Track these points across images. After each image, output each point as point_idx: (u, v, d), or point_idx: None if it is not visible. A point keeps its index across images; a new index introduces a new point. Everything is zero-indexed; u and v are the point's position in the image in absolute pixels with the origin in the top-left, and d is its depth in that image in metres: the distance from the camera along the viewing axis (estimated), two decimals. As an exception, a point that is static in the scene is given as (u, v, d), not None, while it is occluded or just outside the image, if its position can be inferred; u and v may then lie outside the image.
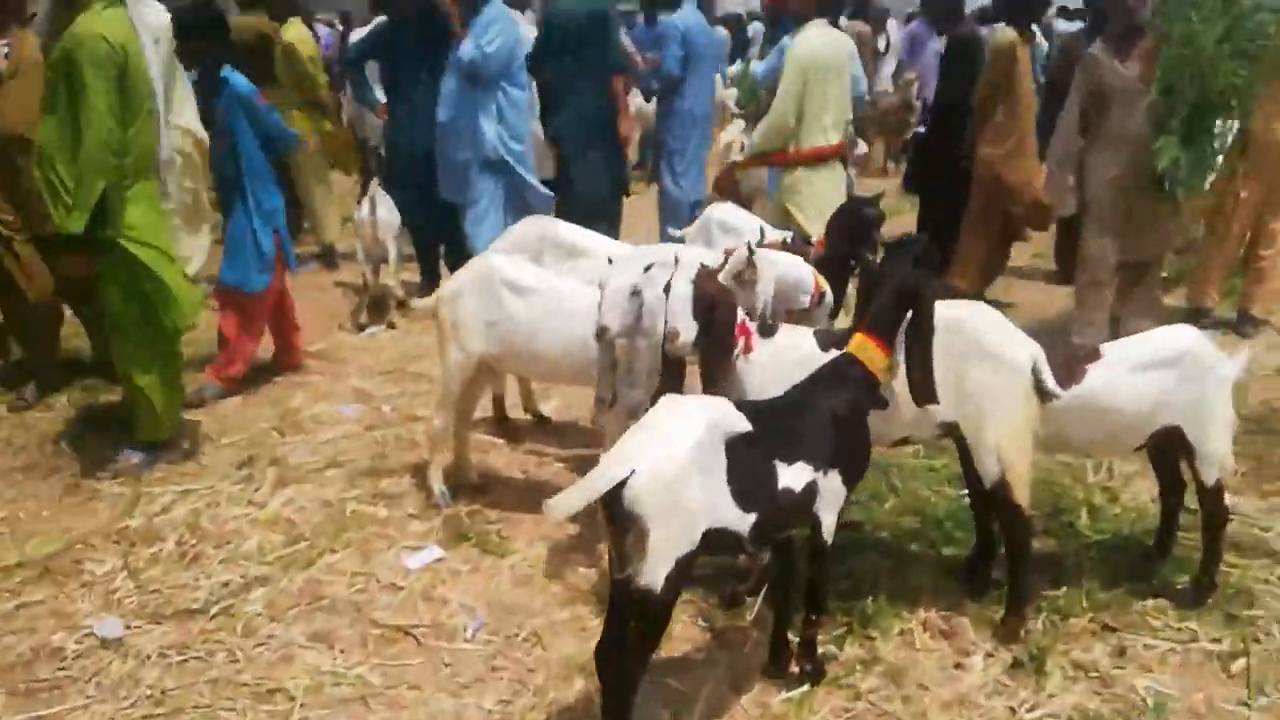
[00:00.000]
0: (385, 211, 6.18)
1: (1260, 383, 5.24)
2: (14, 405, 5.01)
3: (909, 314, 2.84)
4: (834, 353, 2.96)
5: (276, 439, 4.72)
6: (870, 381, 2.81)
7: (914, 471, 4.30)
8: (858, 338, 2.84)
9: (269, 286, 5.06)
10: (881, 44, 11.30)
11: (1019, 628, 3.19)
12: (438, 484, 4.06)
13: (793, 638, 2.99)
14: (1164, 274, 5.98)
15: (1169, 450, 3.34)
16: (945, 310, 3.10)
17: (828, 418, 2.70)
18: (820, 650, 3.08)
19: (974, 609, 3.34)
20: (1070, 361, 3.21)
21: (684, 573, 2.39)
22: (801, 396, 2.76)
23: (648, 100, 9.24)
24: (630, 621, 2.41)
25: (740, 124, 9.42)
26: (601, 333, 3.17)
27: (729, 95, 9.49)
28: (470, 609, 3.38)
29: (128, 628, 3.31)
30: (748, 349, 3.13)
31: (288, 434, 4.77)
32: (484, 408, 4.86)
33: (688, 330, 2.95)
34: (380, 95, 6.99)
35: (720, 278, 3.60)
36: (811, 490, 2.66)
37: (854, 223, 4.03)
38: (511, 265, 3.83)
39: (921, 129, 7.63)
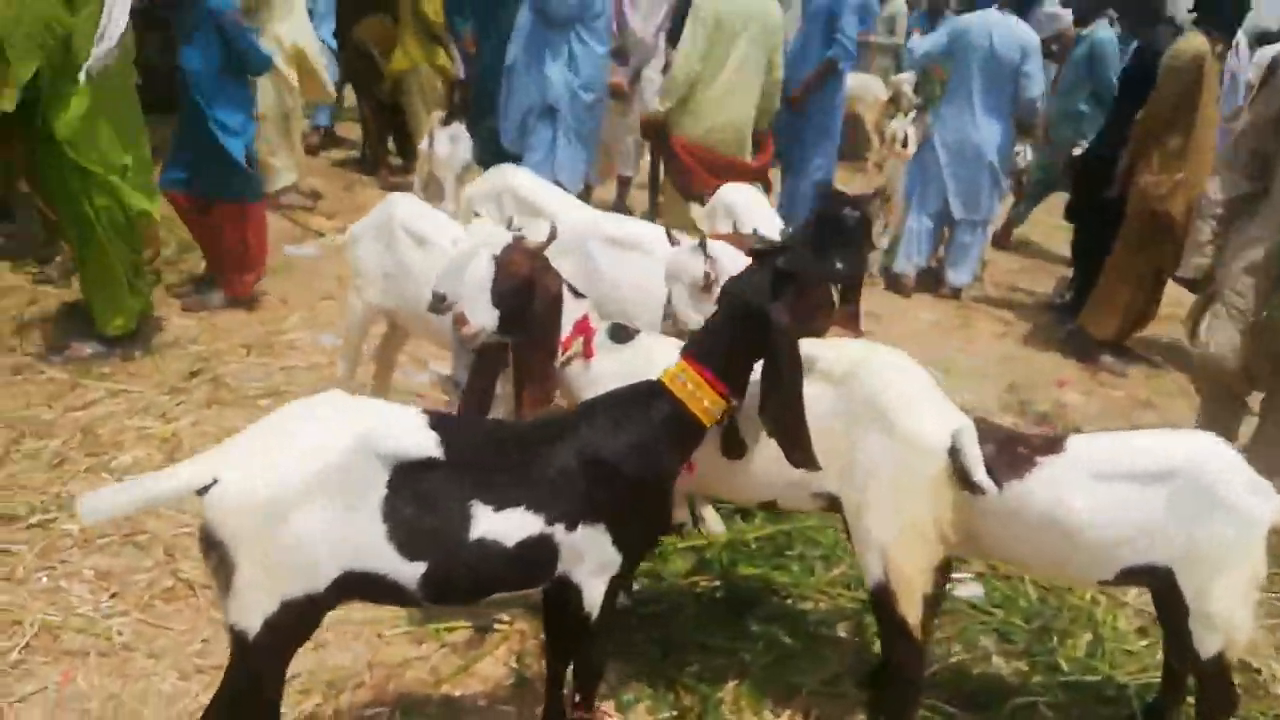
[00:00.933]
0: (445, 146, 5.82)
1: None
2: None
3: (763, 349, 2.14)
4: None
5: (240, 356, 4.46)
6: (684, 420, 2.11)
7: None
8: (677, 364, 2.15)
9: (262, 198, 4.79)
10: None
11: (888, 780, 2.39)
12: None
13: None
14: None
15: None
16: (845, 351, 2.39)
17: (589, 457, 2.02)
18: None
19: (857, 731, 2.57)
20: (1016, 448, 2.34)
21: (301, 619, 1.82)
22: (556, 425, 2.09)
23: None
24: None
25: (913, 113, 8.46)
26: (436, 302, 2.60)
27: (905, 80, 8.50)
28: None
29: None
30: (587, 353, 2.49)
31: (254, 354, 4.50)
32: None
33: (481, 317, 2.34)
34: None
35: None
36: (544, 548, 1.99)
37: (829, 228, 3.21)
38: (416, 210, 3.31)
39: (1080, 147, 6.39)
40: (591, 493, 2.02)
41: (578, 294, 2.54)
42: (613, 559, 2.09)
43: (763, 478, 2.39)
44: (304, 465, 1.76)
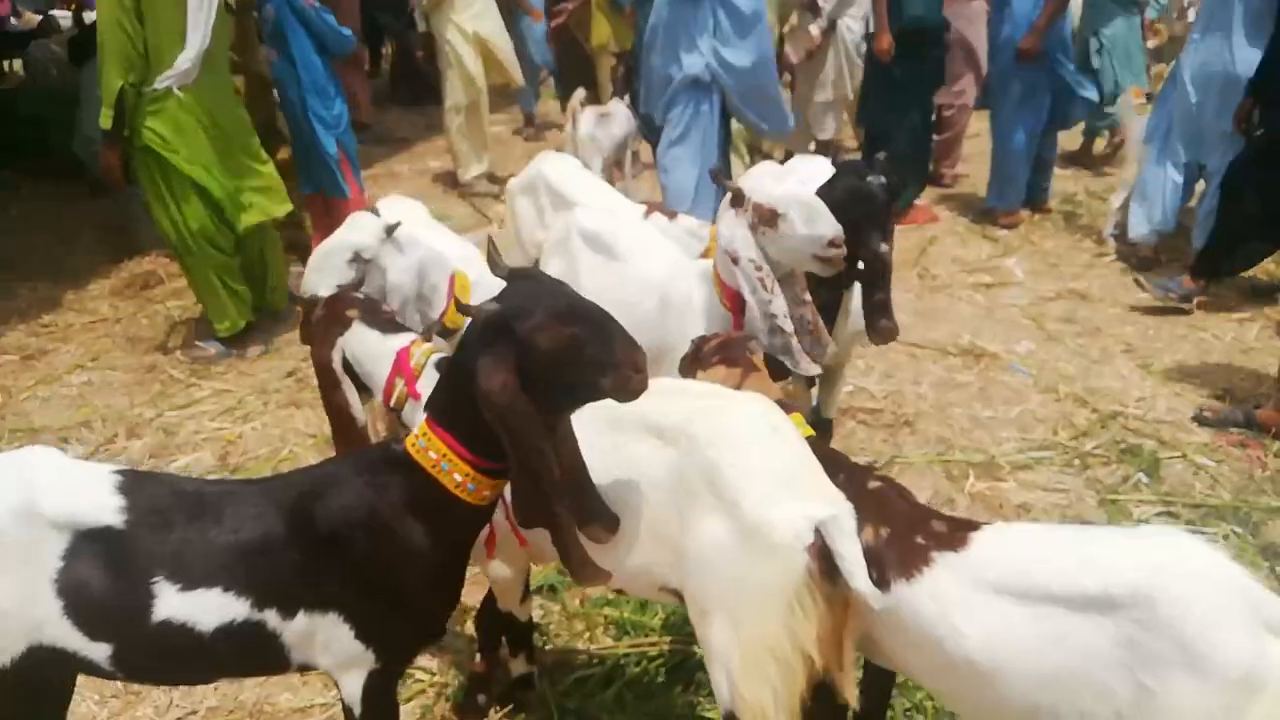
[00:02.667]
0: (589, 125, 5.54)
1: None
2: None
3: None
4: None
5: (342, 355, 4.55)
6: (434, 495, 1.69)
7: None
8: (421, 425, 1.74)
9: (350, 194, 4.81)
10: None
11: None
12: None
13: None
14: None
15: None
16: (685, 397, 1.85)
17: (304, 532, 1.69)
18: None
19: None
20: (915, 534, 1.69)
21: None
22: (267, 491, 1.75)
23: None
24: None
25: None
26: (311, 303, 2.42)
27: None
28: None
29: None
30: (412, 394, 2.13)
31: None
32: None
33: None
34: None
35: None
36: (256, 636, 1.68)
37: (849, 205, 2.51)
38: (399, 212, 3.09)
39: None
40: (312, 574, 1.70)
41: (392, 328, 2.22)
42: (359, 654, 1.75)
43: (596, 558, 1.92)
44: None
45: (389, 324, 2.23)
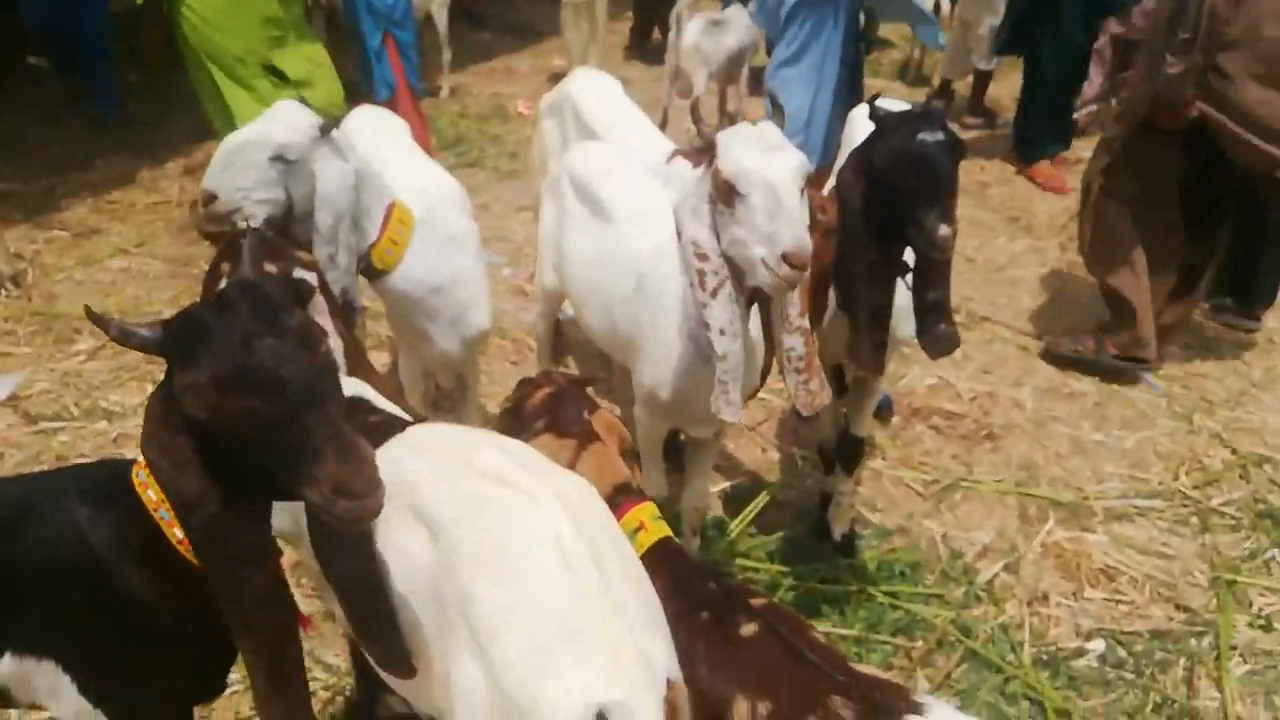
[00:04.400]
0: (694, 34, 4.86)
1: None
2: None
3: None
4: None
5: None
6: (157, 539, 1.28)
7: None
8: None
9: (390, 95, 4.31)
10: None
11: None
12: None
13: None
14: None
15: None
16: (454, 479, 1.31)
17: (4, 562, 1.31)
18: None
19: None
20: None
21: None
22: None
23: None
24: None
25: None
26: (208, 200, 2.02)
27: None
28: None
29: None
30: None
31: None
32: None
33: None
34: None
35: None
36: None
37: (897, 165, 1.83)
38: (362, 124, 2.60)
39: None
40: (14, 612, 1.34)
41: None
42: (88, 713, 1.39)
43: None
44: None
45: None
